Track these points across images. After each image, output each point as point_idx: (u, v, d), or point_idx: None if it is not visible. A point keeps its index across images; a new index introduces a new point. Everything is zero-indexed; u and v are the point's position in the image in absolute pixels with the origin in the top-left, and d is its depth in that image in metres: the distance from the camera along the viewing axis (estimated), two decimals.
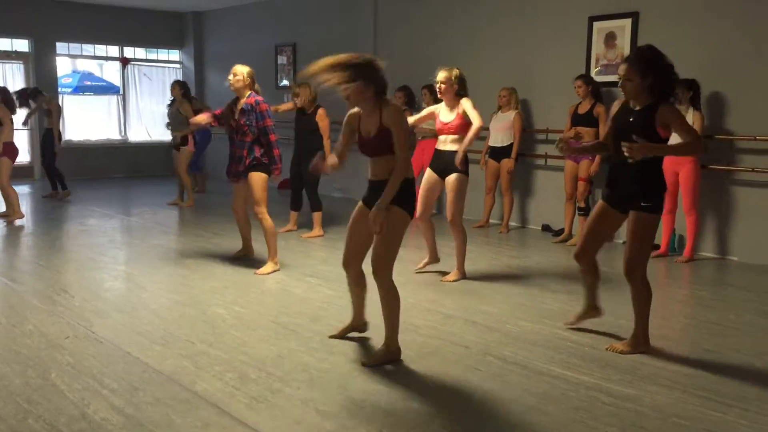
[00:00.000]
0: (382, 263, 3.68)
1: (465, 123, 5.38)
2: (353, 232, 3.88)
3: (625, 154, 3.70)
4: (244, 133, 5.67)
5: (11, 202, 8.01)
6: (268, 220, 5.71)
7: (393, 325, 3.76)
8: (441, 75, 5.39)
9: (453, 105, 5.42)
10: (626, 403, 3.29)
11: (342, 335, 4.14)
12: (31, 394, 3.31)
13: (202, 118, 5.99)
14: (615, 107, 4.07)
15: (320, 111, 7.39)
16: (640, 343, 4.00)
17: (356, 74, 3.60)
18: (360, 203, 3.89)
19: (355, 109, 3.77)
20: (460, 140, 5.41)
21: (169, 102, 9.82)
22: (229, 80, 5.73)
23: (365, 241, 3.86)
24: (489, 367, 3.74)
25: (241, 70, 5.75)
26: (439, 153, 5.54)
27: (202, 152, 10.82)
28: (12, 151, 8.04)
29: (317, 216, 7.37)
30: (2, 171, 7.93)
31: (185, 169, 9.37)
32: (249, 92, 5.74)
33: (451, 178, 5.44)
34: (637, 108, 3.88)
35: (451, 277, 5.60)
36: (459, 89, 5.39)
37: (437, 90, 5.44)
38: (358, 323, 4.16)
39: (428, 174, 5.58)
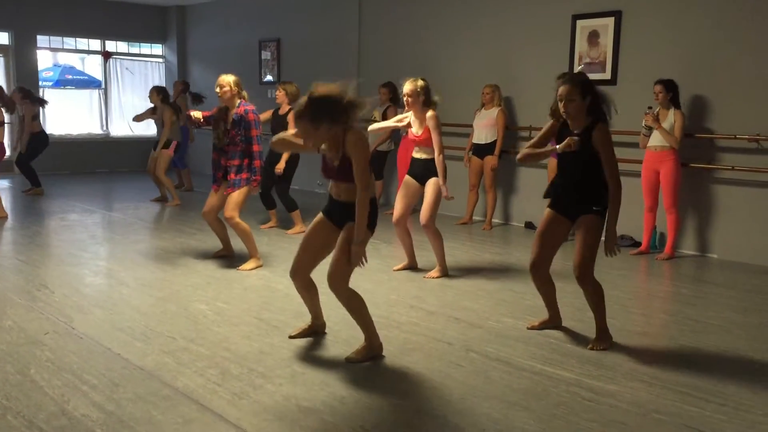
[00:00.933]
0: (338, 278, 3.65)
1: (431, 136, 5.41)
2: (309, 245, 3.84)
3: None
4: (235, 143, 5.63)
5: None
6: (240, 224, 5.68)
7: (366, 325, 3.76)
8: (406, 87, 5.36)
9: (421, 117, 5.40)
10: (607, 399, 3.32)
11: (302, 335, 4.10)
12: (10, 390, 3.28)
13: (197, 115, 5.89)
14: (548, 126, 4.14)
15: (291, 113, 7.34)
16: (608, 335, 4.08)
17: (320, 119, 3.52)
18: (320, 215, 3.85)
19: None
20: (430, 151, 5.41)
21: (152, 108, 9.60)
22: (217, 93, 5.67)
23: (319, 254, 3.87)
24: (471, 364, 3.76)
25: (227, 80, 5.68)
26: (414, 160, 5.56)
27: (184, 149, 10.75)
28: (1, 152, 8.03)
29: (295, 214, 7.38)
30: None
31: (164, 171, 9.26)
32: (238, 101, 5.69)
33: (430, 183, 5.46)
34: (576, 131, 3.97)
35: (434, 273, 5.61)
36: (425, 100, 5.37)
37: (404, 102, 5.40)
38: (317, 324, 4.14)
39: (406, 179, 5.60)
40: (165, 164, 9.27)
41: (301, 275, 3.90)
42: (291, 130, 6.61)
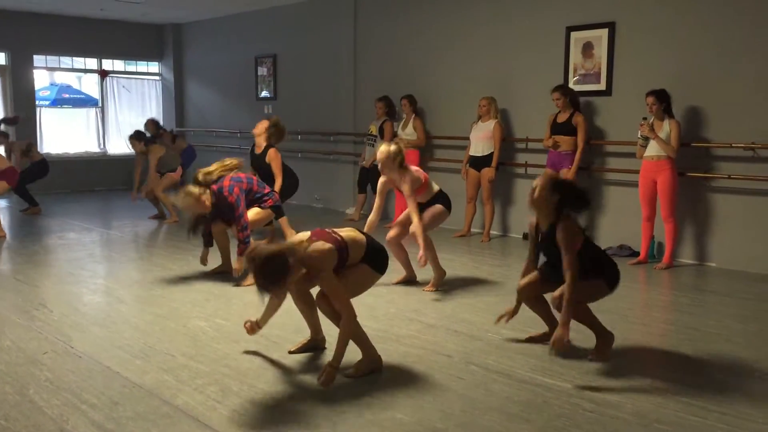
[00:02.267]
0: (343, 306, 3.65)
1: (419, 186, 5.48)
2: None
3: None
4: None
5: None
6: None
7: (361, 340, 3.75)
8: (379, 155, 5.45)
9: (401, 176, 5.45)
10: (608, 410, 3.31)
11: (301, 350, 4.09)
12: (9, 410, 3.27)
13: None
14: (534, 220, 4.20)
15: (270, 151, 7.41)
16: (608, 341, 4.07)
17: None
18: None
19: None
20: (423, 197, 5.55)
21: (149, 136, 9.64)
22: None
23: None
24: (472, 376, 3.75)
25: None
26: None
27: (187, 168, 10.71)
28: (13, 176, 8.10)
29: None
30: None
31: (162, 190, 9.22)
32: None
33: (435, 207, 5.59)
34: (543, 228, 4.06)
35: (432, 286, 5.60)
36: (400, 162, 5.44)
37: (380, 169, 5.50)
38: (316, 339, 4.13)
39: (405, 213, 5.67)
40: (167, 185, 9.25)
41: (299, 289, 3.90)
42: (275, 165, 6.68)
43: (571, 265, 3.81)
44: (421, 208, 5.52)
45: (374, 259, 3.86)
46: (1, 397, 3.42)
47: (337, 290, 3.60)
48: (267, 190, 6.09)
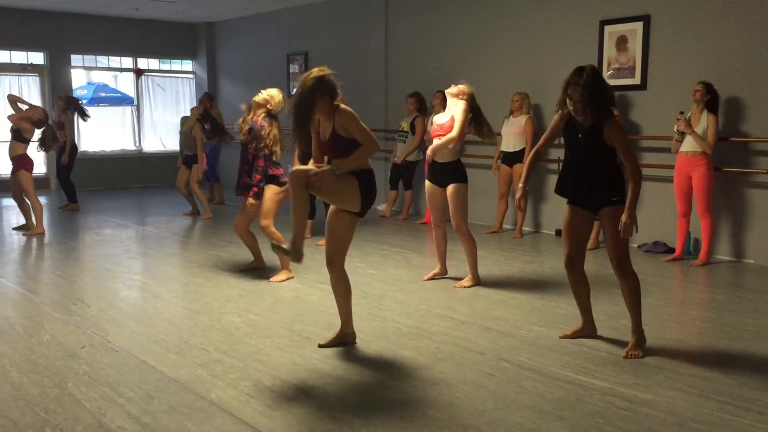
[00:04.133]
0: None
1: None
2: (330, 234, 4.08)
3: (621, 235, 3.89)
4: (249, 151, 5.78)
5: (37, 215, 8.05)
6: (275, 234, 5.67)
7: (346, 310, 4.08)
8: (454, 89, 5.56)
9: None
10: (642, 408, 3.27)
11: (331, 345, 4.11)
12: (48, 403, 3.34)
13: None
14: (555, 121, 4.21)
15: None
16: (643, 338, 4.04)
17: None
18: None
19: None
20: (447, 154, 5.49)
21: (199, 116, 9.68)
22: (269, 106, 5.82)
23: (343, 240, 4.08)
24: (504, 373, 3.73)
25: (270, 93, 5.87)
26: (433, 165, 5.60)
27: (215, 162, 10.88)
28: (27, 162, 8.11)
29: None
30: (25, 183, 7.98)
31: (197, 183, 9.32)
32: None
33: (450, 189, 5.48)
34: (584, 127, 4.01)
35: (465, 282, 5.59)
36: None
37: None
38: (346, 333, 4.16)
39: (428, 186, 5.66)
40: (197, 177, 9.32)
41: (334, 266, 4.03)
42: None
43: (633, 164, 3.85)
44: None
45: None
46: (41, 390, 3.50)
47: (362, 131, 3.88)
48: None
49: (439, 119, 5.57)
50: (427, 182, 5.66)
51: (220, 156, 11.06)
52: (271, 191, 5.71)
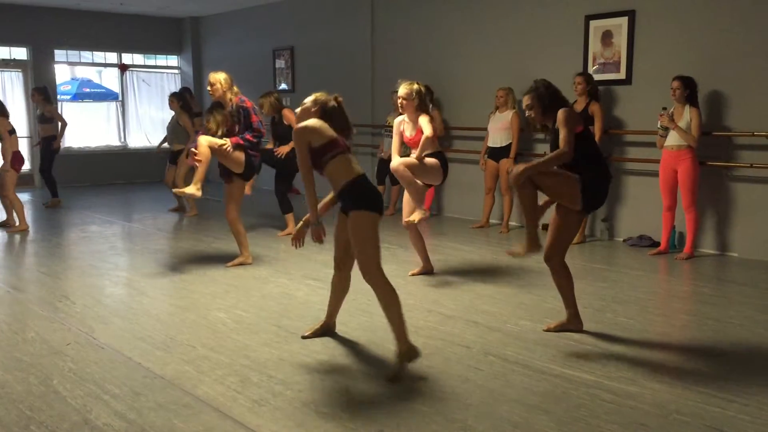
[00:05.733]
0: (365, 266, 3.67)
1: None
2: (337, 240, 4.04)
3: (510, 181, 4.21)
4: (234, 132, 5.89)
5: (18, 212, 7.99)
6: (240, 227, 6.05)
7: (397, 324, 3.70)
8: (401, 90, 5.37)
9: (414, 119, 5.41)
10: (627, 401, 3.30)
11: (315, 335, 4.20)
12: (34, 400, 3.32)
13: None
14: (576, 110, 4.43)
15: (284, 112, 7.62)
16: (578, 320, 4.32)
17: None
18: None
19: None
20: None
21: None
22: (208, 91, 5.95)
23: (347, 246, 3.96)
24: (490, 367, 3.75)
25: (217, 78, 5.91)
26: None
27: None
28: (18, 161, 8.04)
29: (289, 217, 7.57)
30: (8, 182, 7.92)
31: (183, 179, 9.04)
32: (230, 97, 5.93)
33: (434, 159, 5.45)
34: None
35: (416, 270, 5.75)
36: (419, 105, 5.37)
37: (399, 105, 5.44)
38: (329, 323, 4.25)
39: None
40: (184, 172, 9.14)
41: (341, 268, 4.06)
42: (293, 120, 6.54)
43: (564, 142, 4.05)
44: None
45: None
46: (26, 387, 3.48)
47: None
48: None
49: (408, 130, 5.46)
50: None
51: None
52: (240, 182, 5.93)
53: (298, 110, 4.01)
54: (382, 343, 4.12)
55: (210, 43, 13.40)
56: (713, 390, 3.42)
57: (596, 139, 7.03)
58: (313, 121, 3.83)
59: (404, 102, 5.36)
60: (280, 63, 11.69)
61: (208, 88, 5.89)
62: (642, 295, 5.19)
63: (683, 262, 6.32)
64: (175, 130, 9.31)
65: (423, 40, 9.21)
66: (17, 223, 8.01)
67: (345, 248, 3.96)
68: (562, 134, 4.07)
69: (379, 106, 9.87)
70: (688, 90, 6.28)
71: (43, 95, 9.92)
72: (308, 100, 4.00)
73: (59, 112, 10.32)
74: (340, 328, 4.31)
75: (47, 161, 9.95)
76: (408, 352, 3.62)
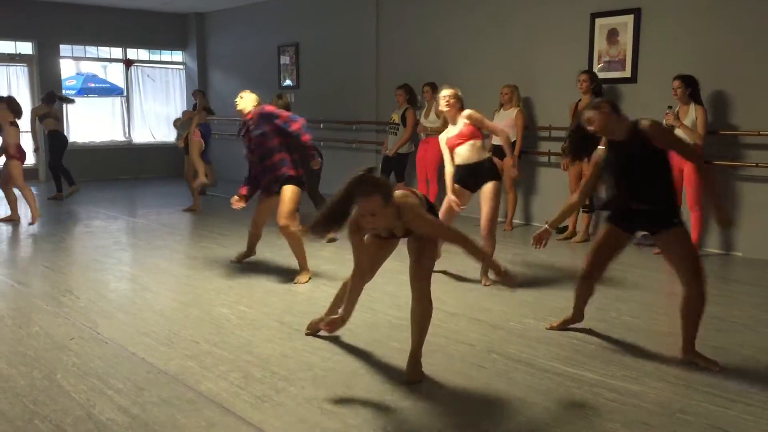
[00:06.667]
0: (425, 274, 3.59)
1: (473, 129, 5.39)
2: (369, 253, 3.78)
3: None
4: (268, 147, 5.51)
5: (30, 202, 8.01)
6: (295, 233, 5.46)
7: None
8: (448, 90, 5.40)
9: (455, 120, 5.42)
10: (630, 399, 3.29)
11: (316, 331, 4.15)
12: (37, 395, 3.33)
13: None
14: (592, 168, 4.01)
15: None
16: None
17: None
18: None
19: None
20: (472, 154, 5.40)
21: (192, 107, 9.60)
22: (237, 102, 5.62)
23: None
24: (493, 365, 3.75)
25: (249, 97, 5.64)
26: (460, 168, 5.47)
27: (207, 144, 10.66)
28: (20, 153, 8.06)
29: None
30: (15, 173, 7.94)
31: (192, 175, 9.10)
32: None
33: (489, 187, 5.46)
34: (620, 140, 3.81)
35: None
36: (461, 105, 5.43)
37: (444, 104, 5.37)
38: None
39: (458, 190, 5.44)
40: (198, 156, 8.90)
41: (367, 279, 3.79)
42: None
43: (694, 155, 3.85)
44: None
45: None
46: (30, 381, 3.49)
47: (437, 225, 3.53)
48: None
49: (451, 132, 5.42)
50: (456, 186, 5.43)
51: (210, 138, 10.85)
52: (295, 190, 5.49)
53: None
54: (386, 340, 4.12)
55: (215, 39, 13.40)
56: (717, 390, 3.41)
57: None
58: None
59: (451, 101, 5.32)
60: (285, 59, 11.68)
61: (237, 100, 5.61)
62: (646, 294, 5.18)
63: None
64: (184, 127, 9.29)
65: (428, 37, 9.19)
66: (31, 213, 8.02)
67: (377, 258, 3.75)
68: (681, 146, 3.86)
69: (384, 102, 9.86)
70: (690, 88, 6.26)
71: (47, 97, 10.09)
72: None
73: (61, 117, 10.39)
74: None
75: (56, 154, 10.00)
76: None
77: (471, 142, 5.36)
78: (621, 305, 4.87)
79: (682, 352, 3.83)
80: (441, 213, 5.31)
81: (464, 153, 5.39)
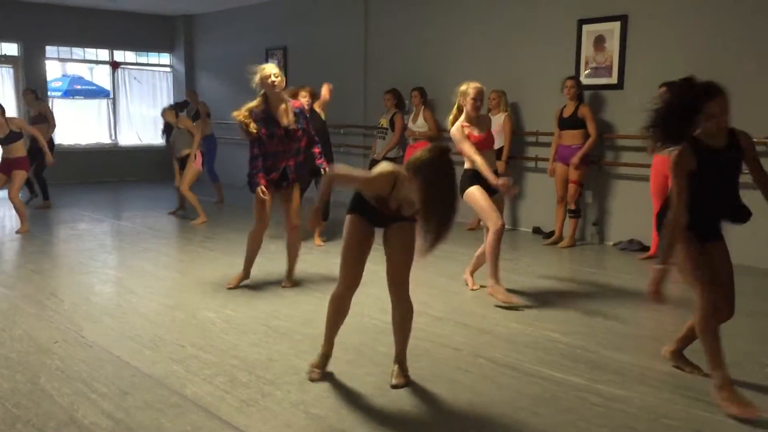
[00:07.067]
0: (406, 276, 3.49)
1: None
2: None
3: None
4: (297, 138, 5.29)
5: (21, 213, 7.80)
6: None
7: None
8: (476, 86, 5.09)
9: (485, 119, 5.27)
10: (616, 404, 3.31)
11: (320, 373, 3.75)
12: (20, 398, 3.30)
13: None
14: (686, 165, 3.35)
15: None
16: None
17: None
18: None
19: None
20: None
21: (162, 128, 9.12)
22: (272, 83, 5.21)
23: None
24: (480, 369, 3.75)
25: (278, 69, 5.32)
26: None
27: (212, 160, 10.23)
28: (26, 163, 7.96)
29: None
30: (17, 184, 7.76)
31: (188, 186, 8.45)
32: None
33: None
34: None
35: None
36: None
37: (473, 106, 5.07)
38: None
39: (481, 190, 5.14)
40: (192, 178, 8.47)
41: (355, 287, 3.59)
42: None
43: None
44: None
45: None
46: (13, 385, 3.45)
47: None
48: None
49: (476, 131, 5.12)
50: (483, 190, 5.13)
51: (216, 152, 10.49)
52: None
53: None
54: (372, 344, 4.12)
55: (202, 42, 13.36)
56: (701, 394, 3.43)
57: (592, 140, 7.07)
58: None
59: (480, 99, 5.06)
60: (273, 62, 11.65)
61: (276, 79, 5.24)
62: (631, 300, 5.20)
63: (672, 267, 6.33)
64: (178, 137, 8.70)
65: (416, 42, 9.21)
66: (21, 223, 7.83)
67: (364, 261, 3.52)
68: (758, 163, 3.50)
69: (372, 106, 9.87)
70: None
71: (34, 94, 9.89)
72: None
73: (51, 109, 10.21)
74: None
75: (40, 163, 9.82)
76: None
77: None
78: (607, 310, 4.89)
79: (669, 353, 3.81)
80: (487, 204, 5.09)
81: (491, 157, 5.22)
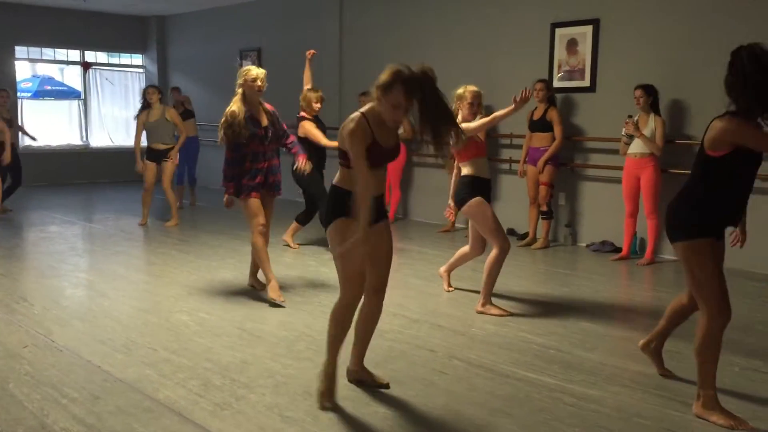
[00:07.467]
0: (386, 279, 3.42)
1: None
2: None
3: None
4: (276, 139, 5.34)
5: None
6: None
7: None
8: (471, 91, 5.15)
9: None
10: (589, 404, 3.33)
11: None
12: None
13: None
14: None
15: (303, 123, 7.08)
16: None
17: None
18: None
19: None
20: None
21: (138, 110, 8.50)
22: (257, 86, 5.19)
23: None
24: (454, 371, 3.76)
25: (264, 73, 5.28)
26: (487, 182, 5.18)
27: (194, 163, 10.06)
28: None
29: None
30: None
31: (170, 185, 8.28)
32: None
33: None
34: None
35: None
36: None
37: (469, 108, 5.12)
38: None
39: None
40: (171, 176, 8.30)
41: (382, 290, 3.43)
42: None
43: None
44: None
45: None
46: None
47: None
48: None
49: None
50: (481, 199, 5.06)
51: (198, 155, 10.25)
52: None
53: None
54: (347, 346, 4.09)
55: (175, 43, 13.25)
56: (674, 394, 3.47)
57: (557, 143, 7.14)
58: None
59: (477, 103, 5.14)
60: (247, 64, 11.59)
61: (260, 83, 5.20)
62: (604, 300, 5.25)
63: (644, 268, 6.42)
64: (159, 127, 8.24)
65: (391, 43, 9.22)
66: None
67: (387, 265, 3.37)
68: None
69: (347, 108, 9.84)
70: (651, 97, 6.40)
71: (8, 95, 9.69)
72: None
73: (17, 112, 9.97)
74: (304, 331, 4.29)
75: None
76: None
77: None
78: (579, 311, 4.93)
79: (644, 345, 3.76)
80: (496, 225, 4.99)
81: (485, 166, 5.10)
